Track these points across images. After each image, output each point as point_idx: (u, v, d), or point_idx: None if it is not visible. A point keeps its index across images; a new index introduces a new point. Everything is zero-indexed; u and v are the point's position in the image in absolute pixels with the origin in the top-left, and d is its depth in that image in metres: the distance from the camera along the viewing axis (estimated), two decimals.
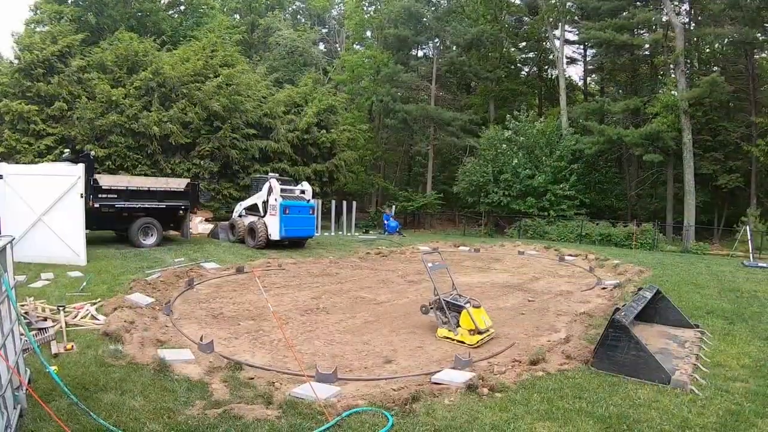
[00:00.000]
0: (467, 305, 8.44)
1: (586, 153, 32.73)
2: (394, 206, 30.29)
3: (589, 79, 50.43)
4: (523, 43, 47.10)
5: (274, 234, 17.45)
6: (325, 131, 28.87)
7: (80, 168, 13.06)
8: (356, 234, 26.15)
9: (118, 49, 23.15)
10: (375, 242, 21.89)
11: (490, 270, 16.47)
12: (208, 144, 24.32)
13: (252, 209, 18.80)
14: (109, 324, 8.08)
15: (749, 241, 20.44)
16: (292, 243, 18.56)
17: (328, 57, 46.02)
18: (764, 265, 17.77)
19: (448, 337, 8.39)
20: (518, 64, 48.01)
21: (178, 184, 17.12)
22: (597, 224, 30.14)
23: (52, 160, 18.68)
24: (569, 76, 47.50)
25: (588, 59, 47.27)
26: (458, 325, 8.36)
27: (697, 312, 10.01)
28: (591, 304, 11.77)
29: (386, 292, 12.15)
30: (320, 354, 7.70)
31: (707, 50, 37.39)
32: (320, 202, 25.71)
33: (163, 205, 16.39)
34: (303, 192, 18.58)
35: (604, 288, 13.78)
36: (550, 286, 13.99)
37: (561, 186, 31.77)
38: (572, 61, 47.37)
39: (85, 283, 10.79)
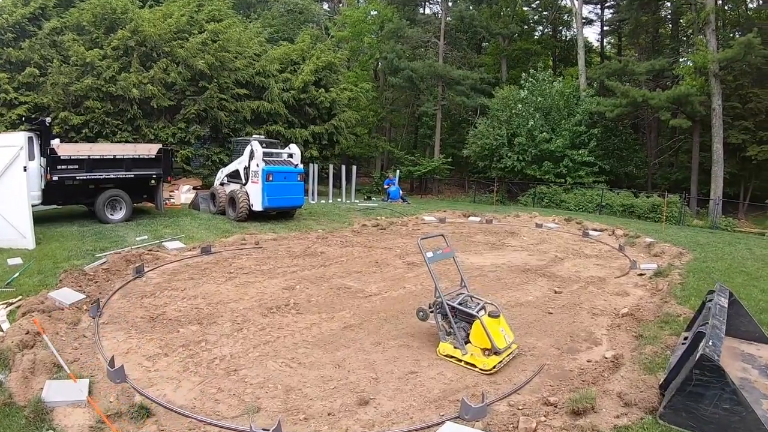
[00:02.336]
0: (481, 313, 6.20)
1: (607, 116, 30.04)
2: (397, 171, 27.82)
3: (605, 41, 47.65)
4: (537, 1, 44.04)
5: (257, 204, 15.20)
6: (323, 90, 26.39)
7: (21, 137, 10.87)
8: (356, 201, 23.84)
9: (95, 7, 20.65)
10: (375, 211, 19.55)
11: (504, 247, 14.15)
12: (193, 106, 22.11)
13: (234, 176, 16.56)
14: (4, 339, 5.96)
15: None
16: (280, 214, 16.34)
17: (331, 14, 43.01)
18: None
19: (452, 357, 6.17)
20: (531, 23, 44.96)
21: (148, 150, 14.82)
22: (617, 193, 27.82)
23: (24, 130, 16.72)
24: (585, 38, 44.81)
25: (605, 19, 44.50)
26: (467, 341, 6.16)
27: (765, 316, 7.74)
28: (631, 297, 9.53)
29: (378, 280, 9.91)
30: (271, 385, 5.52)
31: (740, 10, 34.31)
32: (315, 167, 23.33)
33: (131, 174, 14.22)
34: (291, 156, 16.27)
35: (641, 274, 11.53)
36: (578, 270, 11.73)
37: (580, 151, 29.32)
38: (588, 22, 44.83)
39: (17, 274, 8.66)
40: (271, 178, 15.00)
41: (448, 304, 6.30)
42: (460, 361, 6.06)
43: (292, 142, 25.31)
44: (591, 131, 29.88)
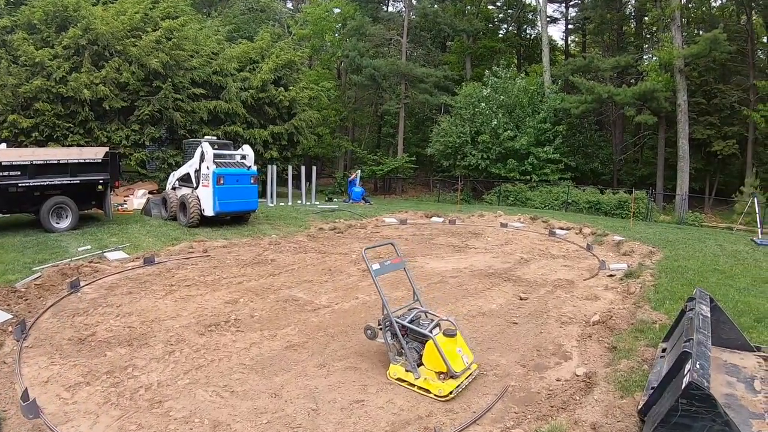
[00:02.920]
0: (435, 332, 5.44)
1: (572, 113, 29.78)
2: (359, 171, 26.96)
3: (570, 39, 47.82)
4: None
5: (208, 209, 14.21)
6: (283, 89, 25.41)
7: None
8: (317, 203, 22.96)
9: (47, 4, 19.40)
10: (334, 213, 18.68)
11: (467, 249, 13.49)
12: (147, 107, 20.94)
13: (185, 180, 15.55)
14: None
15: (757, 215, 17.81)
16: (234, 218, 15.43)
17: (293, 12, 41.97)
18: None
19: (405, 381, 5.40)
20: (496, 22, 44.76)
21: (95, 154, 13.72)
22: (583, 190, 27.57)
23: None
24: (550, 36, 44.82)
25: (570, 17, 44.58)
26: (420, 364, 5.40)
27: (745, 320, 7.18)
28: (601, 302, 8.94)
29: (329, 290, 9.08)
30: (197, 419, 4.69)
31: (703, 8, 34.57)
32: (274, 168, 22.35)
33: (77, 180, 13.13)
34: (244, 158, 15.34)
35: (611, 275, 10.98)
36: (545, 273, 11.11)
37: (545, 149, 28.98)
38: (553, 20, 44.72)
39: None
40: (222, 182, 14.06)
41: (397, 323, 5.52)
42: (413, 385, 5.29)
43: (251, 144, 24.49)
44: (556, 128, 29.60)
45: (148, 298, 8.32)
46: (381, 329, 5.76)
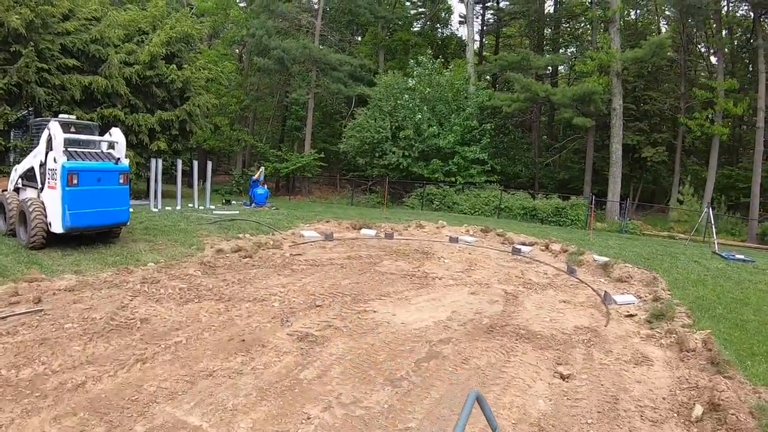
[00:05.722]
0: None
1: (504, 111, 27.34)
2: (262, 168, 22.50)
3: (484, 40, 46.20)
4: None
5: (55, 223, 9.54)
6: (175, 68, 20.64)
7: None
8: (212, 207, 18.46)
9: None
10: (235, 224, 14.27)
11: (430, 280, 9.70)
12: (2, 79, 15.75)
13: (30, 177, 10.84)
14: None
15: (713, 227, 16.76)
16: (100, 233, 10.75)
17: None
18: (743, 257, 13.92)
19: None
20: (408, 18, 41.88)
21: None
22: (512, 194, 25.18)
23: None
24: (460, 37, 43.18)
25: (486, 19, 42.95)
26: None
27: None
28: (659, 367, 6.15)
29: (250, 397, 4.84)
30: None
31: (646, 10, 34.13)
32: (159, 163, 17.53)
33: None
34: (112, 147, 10.85)
35: (631, 316, 8.12)
36: (552, 317, 7.86)
37: (471, 148, 26.28)
38: (465, 20, 42.61)
39: None
40: (75, 181, 9.48)
41: None
42: None
43: (134, 132, 19.54)
44: (484, 126, 27.00)
45: None
46: None
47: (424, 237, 14.65)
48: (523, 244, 13.86)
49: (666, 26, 34.04)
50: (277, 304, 7.46)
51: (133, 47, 20.02)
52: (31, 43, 15.99)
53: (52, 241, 9.78)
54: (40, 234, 9.56)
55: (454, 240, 14.05)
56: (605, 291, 9.39)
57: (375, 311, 7.41)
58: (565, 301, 8.87)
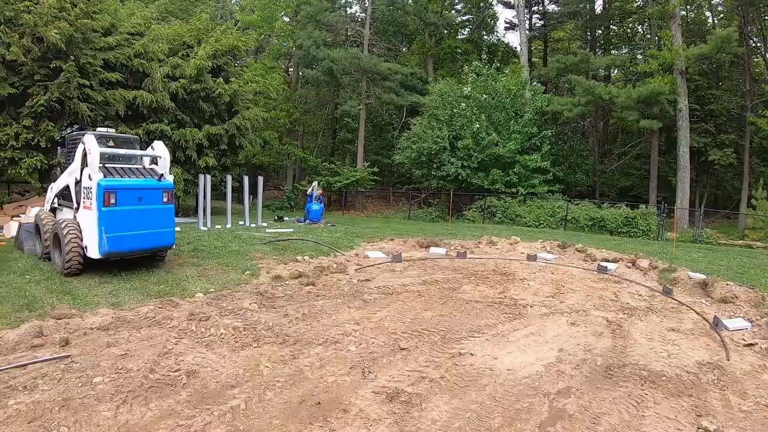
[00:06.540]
0: None
1: (565, 116, 25.69)
2: (315, 183, 21.42)
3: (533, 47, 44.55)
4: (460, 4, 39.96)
5: (92, 247, 8.68)
6: (222, 81, 20.00)
7: None
8: (264, 224, 17.55)
9: None
10: (291, 244, 13.25)
11: (521, 309, 8.02)
12: (44, 95, 15.32)
13: (66, 197, 10.05)
14: None
15: None
16: (141, 257, 9.78)
17: None
18: None
19: None
20: (455, 26, 40.67)
21: None
22: (577, 204, 23.43)
23: None
24: (508, 43, 42.13)
25: (533, 24, 41.37)
26: None
27: None
28: None
29: None
30: None
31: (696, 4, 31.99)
32: (208, 179, 16.73)
33: None
34: (155, 162, 9.93)
35: (751, 345, 6.85)
36: (668, 350, 6.51)
37: (532, 156, 24.70)
38: (512, 26, 41.53)
39: None
40: (112, 201, 8.57)
41: None
42: None
43: (182, 148, 18.88)
44: (544, 133, 25.36)
45: None
46: None
47: (498, 255, 13.22)
48: (607, 260, 12.33)
49: (716, 21, 31.70)
50: (353, 347, 6.14)
51: (178, 61, 19.52)
52: (71, 58, 15.51)
53: (89, 265, 8.87)
54: (75, 259, 8.73)
55: (532, 258, 12.58)
56: (715, 315, 7.93)
57: (472, 354, 6.05)
58: (673, 330, 7.41)
